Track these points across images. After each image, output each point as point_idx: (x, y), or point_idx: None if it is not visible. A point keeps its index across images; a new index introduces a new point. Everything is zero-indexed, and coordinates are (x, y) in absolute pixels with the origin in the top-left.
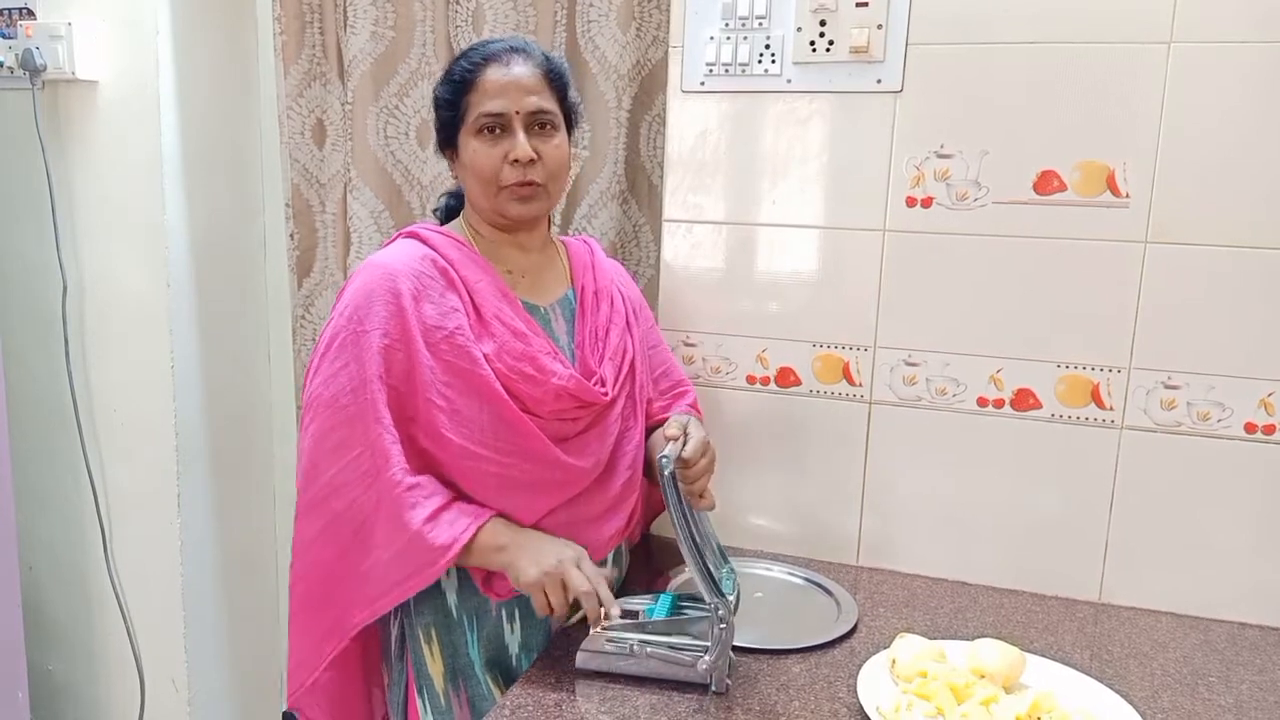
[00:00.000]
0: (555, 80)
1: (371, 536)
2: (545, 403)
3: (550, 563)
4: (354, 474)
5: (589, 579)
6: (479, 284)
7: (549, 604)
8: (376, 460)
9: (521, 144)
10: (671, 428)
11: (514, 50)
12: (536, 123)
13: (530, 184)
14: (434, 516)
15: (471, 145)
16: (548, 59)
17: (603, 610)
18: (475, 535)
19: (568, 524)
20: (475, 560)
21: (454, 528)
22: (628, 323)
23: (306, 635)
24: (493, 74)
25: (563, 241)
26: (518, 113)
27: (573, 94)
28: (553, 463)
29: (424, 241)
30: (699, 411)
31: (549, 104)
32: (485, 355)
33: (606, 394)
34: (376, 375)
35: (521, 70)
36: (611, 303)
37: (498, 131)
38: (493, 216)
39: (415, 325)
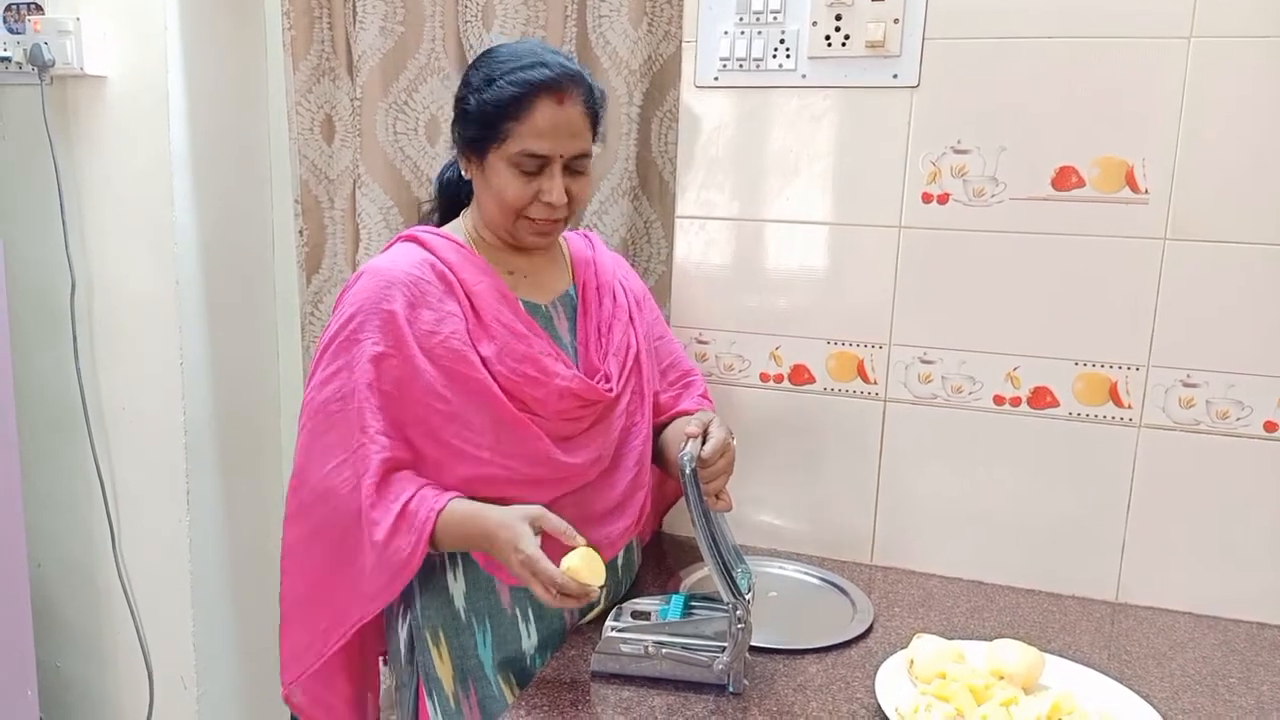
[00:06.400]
0: (595, 115)
1: (359, 542)
2: (549, 403)
3: (520, 576)
4: (337, 479)
5: (529, 567)
6: (478, 286)
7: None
8: (357, 468)
9: (559, 189)
10: (693, 425)
11: (568, 81)
12: (573, 163)
13: (554, 221)
14: (394, 527)
15: (504, 173)
16: (592, 91)
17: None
18: (433, 534)
19: (574, 522)
20: (457, 548)
21: (409, 536)
22: (630, 317)
23: (304, 628)
24: (545, 110)
25: (562, 235)
26: (561, 156)
27: (604, 120)
28: (552, 463)
29: (423, 245)
30: (710, 401)
31: (588, 145)
32: (485, 358)
33: (611, 390)
34: (366, 383)
35: (573, 112)
36: (614, 297)
37: (534, 168)
38: (504, 236)
39: (409, 332)
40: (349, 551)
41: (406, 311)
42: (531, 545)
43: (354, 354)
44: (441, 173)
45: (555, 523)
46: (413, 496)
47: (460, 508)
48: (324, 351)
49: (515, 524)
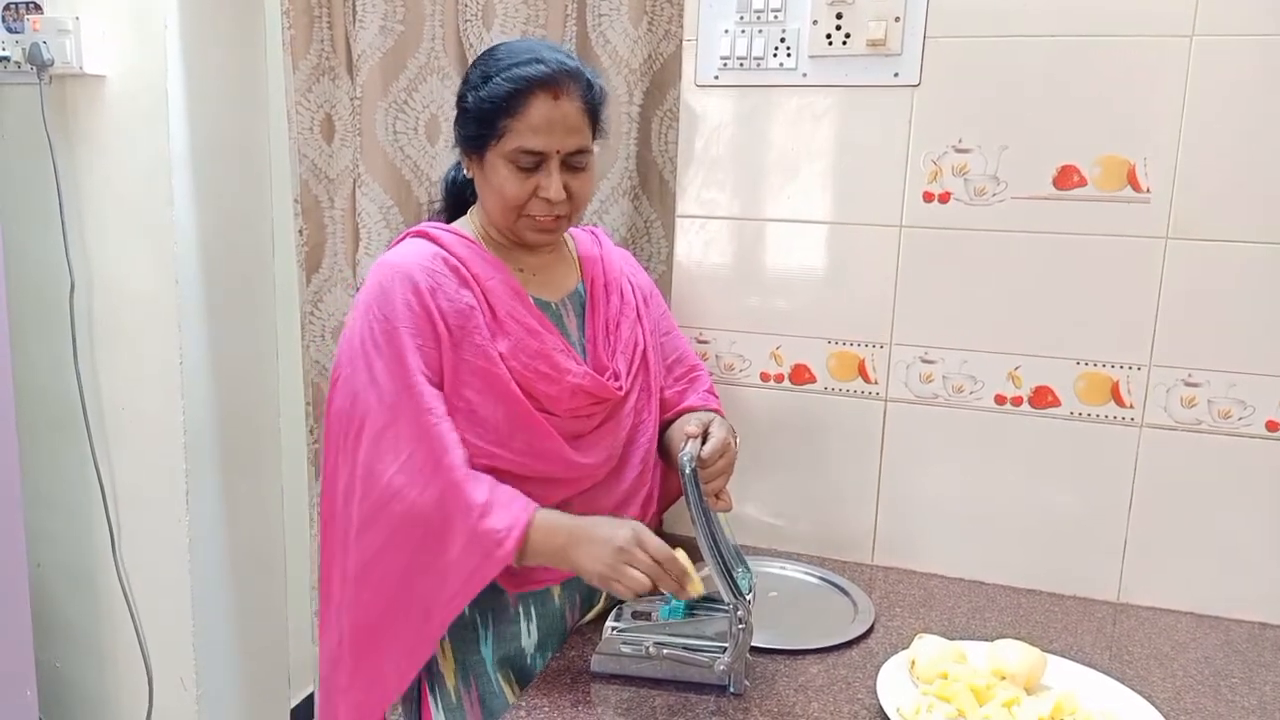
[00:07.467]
0: (594, 111)
1: (446, 532)
2: (561, 401)
3: (608, 559)
4: (410, 471)
5: (652, 557)
6: (491, 281)
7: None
8: (434, 450)
9: (556, 185)
10: (692, 424)
11: (564, 76)
12: (572, 159)
13: (555, 218)
14: (488, 503)
15: (502, 171)
16: (590, 87)
17: (686, 583)
18: (529, 525)
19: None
20: (535, 560)
21: (509, 511)
22: (638, 314)
23: (395, 643)
24: (540, 106)
25: (569, 233)
26: (558, 152)
27: (605, 116)
28: (564, 461)
29: (433, 240)
30: (715, 396)
31: (587, 141)
32: (500, 354)
33: (621, 388)
34: (417, 368)
35: (569, 107)
36: (621, 294)
37: (531, 165)
38: (508, 234)
39: (440, 322)
40: (435, 545)
41: (431, 302)
42: (642, 526)
43: (396, 344)
44: (447, 174)
45: (657, 543)
46: (498, 486)
47: (551, 513)
48: (361, 347)
49: (623, 519)
